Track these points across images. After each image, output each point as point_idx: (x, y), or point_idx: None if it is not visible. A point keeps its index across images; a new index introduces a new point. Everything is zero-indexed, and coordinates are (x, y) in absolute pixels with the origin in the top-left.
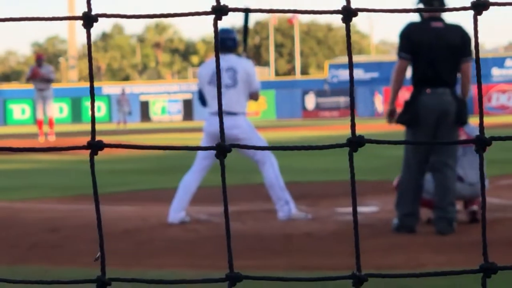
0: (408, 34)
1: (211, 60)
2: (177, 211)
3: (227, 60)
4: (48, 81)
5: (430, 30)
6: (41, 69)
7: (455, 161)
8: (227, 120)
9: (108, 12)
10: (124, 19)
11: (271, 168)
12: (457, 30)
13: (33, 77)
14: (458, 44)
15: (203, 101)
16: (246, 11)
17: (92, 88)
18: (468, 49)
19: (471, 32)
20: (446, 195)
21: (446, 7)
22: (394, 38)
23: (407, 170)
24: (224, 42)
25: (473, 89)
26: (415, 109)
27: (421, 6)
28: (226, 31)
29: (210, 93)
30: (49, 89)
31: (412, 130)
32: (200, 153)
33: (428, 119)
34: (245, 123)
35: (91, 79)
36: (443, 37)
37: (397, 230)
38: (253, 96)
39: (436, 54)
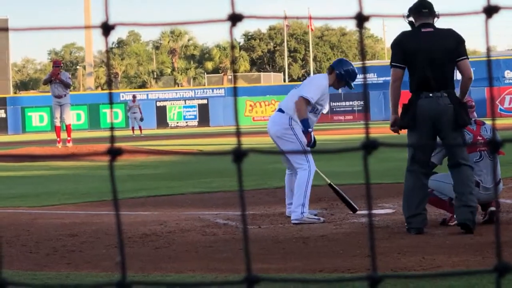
0: (400, 43)
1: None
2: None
3: (317, 76)
4: (66, 86)
5: (421, 36)
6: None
7: (467, 157)
8: (274, 115)
9: (125, 19)
10: (141, 27)
11: (306, 173)
12: (449, 33)
13: (52, 76)
14: (452, 47)
15: None
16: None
17: (110, 94)
18: (462, 49)
19: (462, 35)
20: (467, 184)
21: (435, 12)
22: None
23: (410, 171)
24: (330, 68)
25: (485, 92)
26: (412, 112)
27: (411, 18)
28: (340, 62)
29: None
30: (66, 97)
31: (411, 133)
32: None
33: (425, 121)
34: (286, 123)
35: (110, 86)
36: (434, 41)
37: (407, 232)
38: (298, 112)
39: (429, 58)
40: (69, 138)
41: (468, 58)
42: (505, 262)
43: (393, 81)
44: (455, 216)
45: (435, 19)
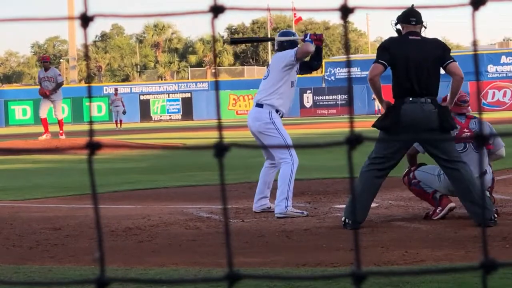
0: (387, 47)
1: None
2: (256, 201)
3: (273, 56)
4: (59, 86)
5: (408, 42)
6: (47, 73)
7: (459, 155)
8: (253, 111)
9: (107, 12)
10: (123, 20)
11: (289, 166)
12: (435, 41)
13: (43, 95)
14: (438, 54)
15: None
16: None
17: (89, 88)
18: (448, 55)
19: (448, 43)
20: (471, 189)
21: (422, 22)
22: (390, 35)
23: (365, 172)
24: (278, 43)
25: (469, 86)
26: (396, 115)
27: (399, 26)
28: (281, 33)
29: None
30: (58, 93)
31: (390, 135)
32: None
33: (409, 126)
34: (267, 118)
35: (89, 78)
36: (421, 48)
37: (343, 227)
38: (301, 54)
39: (415, 64)
40: (61, 131)
41: (455, 61)
42: (491, 258)
43: (372, 75)
44: (472, 217)
45: (423, 28)
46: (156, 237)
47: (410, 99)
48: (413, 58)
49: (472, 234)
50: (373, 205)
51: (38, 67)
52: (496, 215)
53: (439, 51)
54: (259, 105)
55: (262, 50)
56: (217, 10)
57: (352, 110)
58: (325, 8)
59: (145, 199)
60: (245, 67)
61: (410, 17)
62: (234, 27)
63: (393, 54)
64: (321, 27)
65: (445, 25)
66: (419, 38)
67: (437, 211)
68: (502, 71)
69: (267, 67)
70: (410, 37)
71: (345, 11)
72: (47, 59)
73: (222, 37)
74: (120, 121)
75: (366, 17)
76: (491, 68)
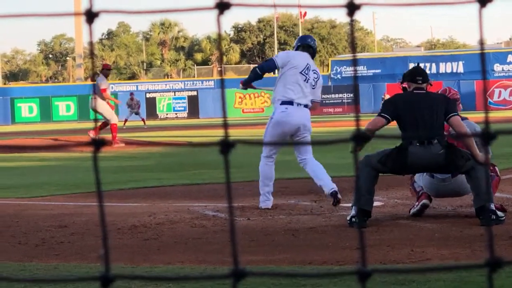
0: (393, 101)
1: (301, 53)
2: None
3: (312, 62)
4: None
5: (414, 95)
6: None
7: (472, 161)
8: (305, 112)
9: (112, 9)
10: (129, 17)
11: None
12: (437, 94)
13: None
14: (441, 103)
15: (263, 71)
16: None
17: (94, 86)
18: (451, 107)
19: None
20: (482, 191)
21: (428, 81)
22: (396, 34)
23: (366, 166)
24: (310, 47)
25: (475, 85)
26: (404, 157)
27: (405, 84)
28: (309, 37)
29: (299, 82)
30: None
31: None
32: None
33: (416, 169)
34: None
35: (95, 76)
36: (426, 100)
37: (350, 225)
38: (314, 105)
39: (421, 114)
40: (114, 138)
41: (458, 115)
42: (497, 256)
43: (373, 127)
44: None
45: (428, 86)
46: (161, 235)
47: (417, 144)
48: (418, 108)
49: (478, 233)
50: (379, 203)
51: (45, 66)
52: (503, 215)
53: (443, 104)
54: (307, 107)
55: (268, 49)
56: (222, 7)
57: (358, 109)
58: (331, 4)
59: (151, 197)
60: (252, 65)
61: (417, 76)
62: (240, 26)
63: (399, 106)
64: (327, 25)
65: (451, 24)
66: (424, 91)
67: (414, 205)
68: (508, 70)
69: (307, 73)
70: (415, 92)
71: (352, 8)
72: (107, 67)
73: (229, 35)
74: (143, 119)
75: (373, 16)
76: (497, 67)
